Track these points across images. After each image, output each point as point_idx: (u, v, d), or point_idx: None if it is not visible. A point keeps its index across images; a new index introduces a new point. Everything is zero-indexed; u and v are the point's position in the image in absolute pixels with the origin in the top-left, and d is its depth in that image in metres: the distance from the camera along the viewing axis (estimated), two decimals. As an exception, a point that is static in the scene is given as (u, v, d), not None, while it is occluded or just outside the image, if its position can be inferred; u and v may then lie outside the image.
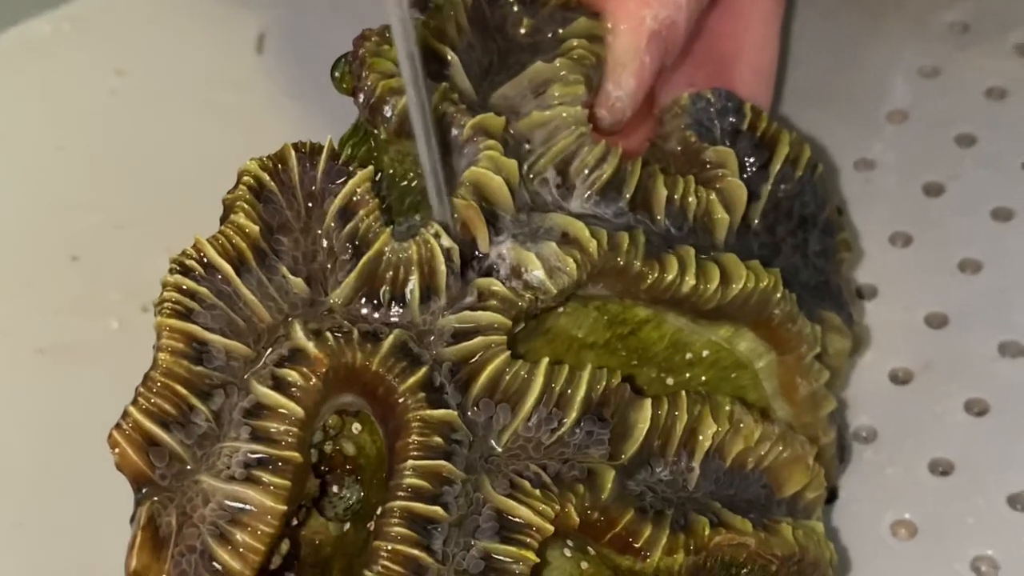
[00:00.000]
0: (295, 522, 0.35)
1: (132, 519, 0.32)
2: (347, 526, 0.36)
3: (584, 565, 0.35)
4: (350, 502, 0.35)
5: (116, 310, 0.48)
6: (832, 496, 0.42)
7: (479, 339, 0.34)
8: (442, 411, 0.33)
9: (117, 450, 0.32)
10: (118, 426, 0.32)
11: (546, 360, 0.35)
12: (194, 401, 0.33)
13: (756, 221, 0.41)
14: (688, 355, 0.39)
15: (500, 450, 0.34)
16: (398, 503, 0.32)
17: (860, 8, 0.47)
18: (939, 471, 0.42)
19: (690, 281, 0.37)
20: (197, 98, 0.53)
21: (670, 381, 0.39)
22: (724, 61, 0.44)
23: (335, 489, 0.35)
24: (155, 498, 0.32)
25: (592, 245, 0.36)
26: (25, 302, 0.49)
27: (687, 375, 0.39)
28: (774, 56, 0.45)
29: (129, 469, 0.32)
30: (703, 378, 0.39)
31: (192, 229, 0.52)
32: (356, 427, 0.35)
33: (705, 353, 0.39)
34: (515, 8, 0.41)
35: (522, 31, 0.41)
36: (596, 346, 0.38)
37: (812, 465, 0.38)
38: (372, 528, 0.33)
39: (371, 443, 0.35)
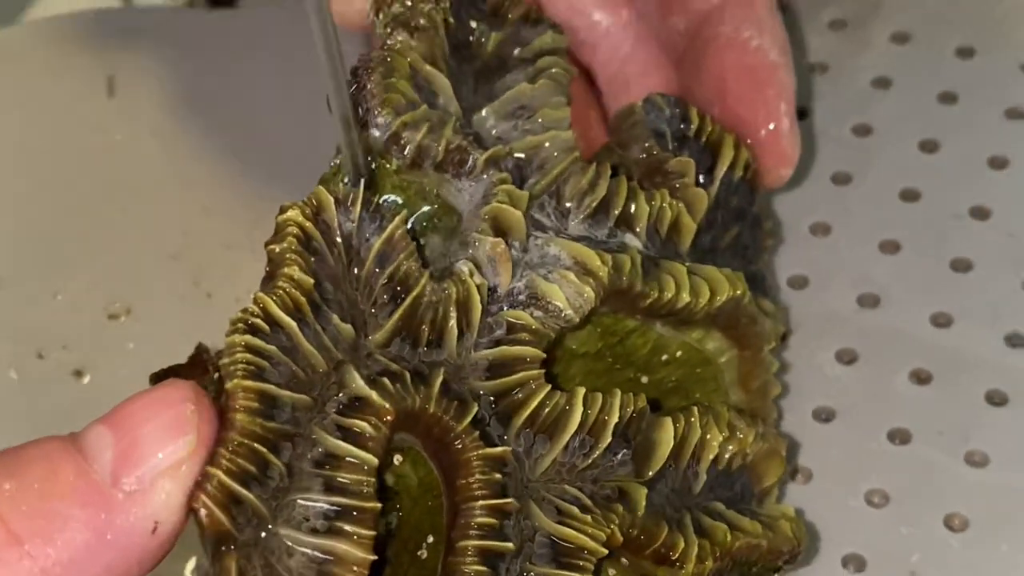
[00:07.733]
0: None
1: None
2: None
3: (612, 572, 0.38)
4: (389, 527, 0.37)
5: (12, 360, 0.48)
6: None
7: (521, 374, 0.36)
8: (499, 449, 0.35)
9: (205, 511, 0.32)
10: (203, 487, 0.32)
11: (582, 390, 0.37)
12: (270, 457, 0.33)
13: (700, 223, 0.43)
14: (664, 356, 0.42)
15: (536, 476, 0.36)
16: (472, 542, 0.34)
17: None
18: (897, 441, 0.45)
19: (685, 297, 0.40)
20: (51, 143, 0.54)
21: (644, 379, 0.42)
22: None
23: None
24: (236, 553, 0.33)
25: (603, 271, 0.38)
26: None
27: (661, 374, 0.42)
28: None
29: (214, 528, 0.32)
30: (674, 377, 0.42)
31: (73, 274, 0.52)
32: (397, 458, 0.37)
33: (679, 354, 0.42)
34: (478, 24, 0.42)
35: (489, 48, 0.42)
36: (587, 355, 0.41)
37: (784, 456, 0.42)
38: (441, 565, 0.35)
39: (412, 473, 0.37)
